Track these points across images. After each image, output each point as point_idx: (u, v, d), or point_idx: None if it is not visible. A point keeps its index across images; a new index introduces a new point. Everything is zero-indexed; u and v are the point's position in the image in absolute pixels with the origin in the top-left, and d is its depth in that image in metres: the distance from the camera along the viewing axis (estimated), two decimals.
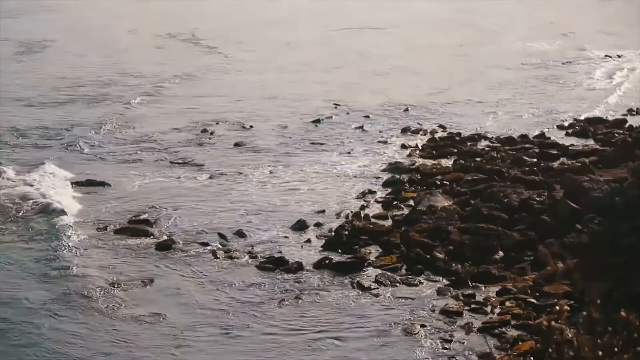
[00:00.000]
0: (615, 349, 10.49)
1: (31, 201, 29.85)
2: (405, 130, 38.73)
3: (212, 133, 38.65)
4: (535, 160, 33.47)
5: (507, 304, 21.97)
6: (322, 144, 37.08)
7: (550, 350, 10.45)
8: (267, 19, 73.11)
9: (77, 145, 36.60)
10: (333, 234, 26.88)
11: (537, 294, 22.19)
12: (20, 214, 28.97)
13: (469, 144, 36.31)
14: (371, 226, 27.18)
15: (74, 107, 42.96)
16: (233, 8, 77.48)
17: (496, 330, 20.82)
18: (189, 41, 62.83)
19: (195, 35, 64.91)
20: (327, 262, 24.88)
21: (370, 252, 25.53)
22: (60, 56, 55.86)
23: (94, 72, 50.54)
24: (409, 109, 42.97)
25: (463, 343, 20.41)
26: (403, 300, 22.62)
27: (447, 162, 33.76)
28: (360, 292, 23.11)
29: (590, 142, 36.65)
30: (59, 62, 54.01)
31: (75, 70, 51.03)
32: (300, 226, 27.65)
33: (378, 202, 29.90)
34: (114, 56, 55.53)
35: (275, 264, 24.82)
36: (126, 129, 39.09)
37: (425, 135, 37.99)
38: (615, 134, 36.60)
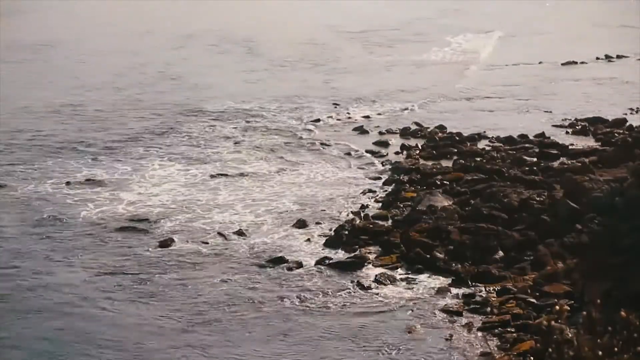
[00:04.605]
0: (615, 349, 10.50)
1: None
2: (405, 131, 38.72)
3: (212, 132, 38.77)
4: (535, 160, 33.48)
5: (507, 304, 21.95)
6: (322, 144, 37.09)
7: (550, 350, 10.47)
8: (268, 19, 73.19)
9: None
10: (333, 233, 26.88)
11: (537, 294, 22.17)
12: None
13: (469, 143, 36.31)
14: (371, 226, 27.17)
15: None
16: (230, 8, 77.60)
17: (496, 330, 20.81)
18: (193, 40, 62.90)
19: (199, 34, 65.01)
20: (327, 261, 24.90)
21: (371, 252, 25.53)
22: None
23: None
24: (409, 109, 43.01)
25: (463, 343, 20.41)
26: (403, 299, 22.62)
27: (447, 162, 33.74)
28: (360, 291, 23.10)
29: (591, 141, 36.66)
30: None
31: None
32: (300, 225, 27.67)
33: (378, 202, 29.89)
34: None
35: (276, 262, 24.84)
36: None
37: (425, 135, 37.96)
38: (615, 134, 36.60)
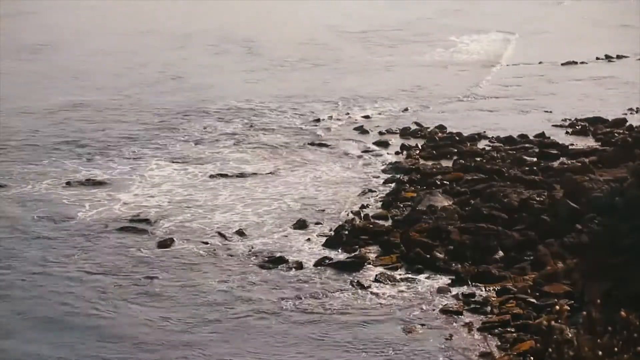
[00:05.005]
0: (615, 349, 10.49)
1: None
2: (405, 131, 38.71)
3: (212, 132, 38.83)
4: (535, 160, 33.48)
5: (507, 304, 21.95)
6: (322, 144, 37.10)
7: (550, 350, 10.46)
8: (268, 19, 73.21)
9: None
10: (333, 233, 26.88)
11: (537, 294, 22.17)
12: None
13: (469, 143, 36.29)
14: (371, 226, 27.17)
15: None
16: (230, 8, 77.61)
17: (496, 330, 20.81)
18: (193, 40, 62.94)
19: (197, 33, 65.05)
20: (327, 261, 24.89)
21: (370, 252, 25.53)
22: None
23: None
24: (409, 109, 43.02)
25: (463, 343, 20.41)
26: (403, 299, 22.62)
27: (447, 162, 33.73)
28: (360, 291, 23.10)
29: (591, 141, 36.65)
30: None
31: None
32: (300, 225, 27.67)
33: (378, 202, 29.89)
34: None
35: (276, 263, 24.84)
36: None
37: (425, 135, 37.94)
38: (615, 134, 36.59)
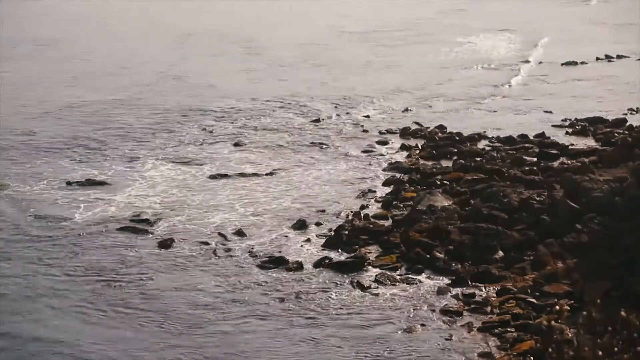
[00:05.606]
0: (615, 349, 10.49)
1: None
2: (405, 131, 38.69)
3: (211, 131, 38.86)
4: (535, 160, 33.46)
5: (507, 304, 21.93)
6: (322, 143, 37.09)
7: (550, 350, 10.46)
8: (268, 19, 73.25)
9: None
10: (333, 233, 26.86)
11: (537, 294, 22.15)
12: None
13: (469, 143, 36.27)
14: (371, 226, 27.15)
15: None
16: (230, 8, 77.65)
17: (496, 330, 20.79)
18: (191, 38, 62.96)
19: (197, 33, 65.07)
20: (327, 261, 24.88)
21: (370, 252, 25.51)
22: None
23: None
24: (409, 109, 43.00)
25: (463, 343, 20.39)
26: (403, 299, 22.61)
27: (447, 162, 33.72)
28: (360, 291, 23.09)
29: (591, 141, 36.63)
30: None
31: None
32: (300, 226, 27.65)
33: (378, 202, 29.88)
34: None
35: (275, 263, 24.83)
36: None
37: (425, 135, 37.92)
38: (615, 134, 36.56)
